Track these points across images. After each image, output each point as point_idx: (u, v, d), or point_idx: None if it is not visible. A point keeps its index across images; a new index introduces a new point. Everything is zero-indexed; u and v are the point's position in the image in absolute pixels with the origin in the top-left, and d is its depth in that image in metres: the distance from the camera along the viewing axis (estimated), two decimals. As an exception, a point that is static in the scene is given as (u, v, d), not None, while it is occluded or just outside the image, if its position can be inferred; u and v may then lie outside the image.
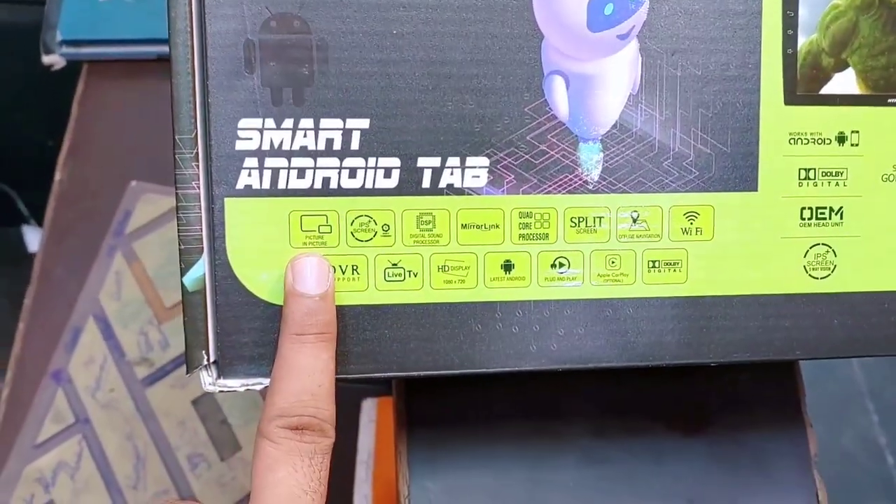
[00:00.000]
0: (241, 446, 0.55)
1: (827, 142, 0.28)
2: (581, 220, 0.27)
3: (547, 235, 0.27)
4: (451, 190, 0.27)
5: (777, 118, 0.28)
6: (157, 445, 0.55)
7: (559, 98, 0.27)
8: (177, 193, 0.25)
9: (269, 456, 0.24)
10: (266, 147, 0.26)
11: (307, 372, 0.24)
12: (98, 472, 0.54)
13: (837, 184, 0.28)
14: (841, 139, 0.28)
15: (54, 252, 0.62)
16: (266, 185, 0.26)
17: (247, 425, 0.56)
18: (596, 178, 0.27)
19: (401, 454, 0.33)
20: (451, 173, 0.26)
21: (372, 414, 0.57)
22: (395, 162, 0.26)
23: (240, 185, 0.26)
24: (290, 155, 0.26)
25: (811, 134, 0.28)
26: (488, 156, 0.27)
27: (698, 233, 0.28)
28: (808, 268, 0.28)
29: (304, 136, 0.26)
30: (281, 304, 0.26)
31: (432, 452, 0.34)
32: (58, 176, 0.65)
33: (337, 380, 0.26)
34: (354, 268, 0.26)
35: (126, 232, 0.63)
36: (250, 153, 0.26)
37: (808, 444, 0.35)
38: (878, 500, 0.96)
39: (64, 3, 0.66)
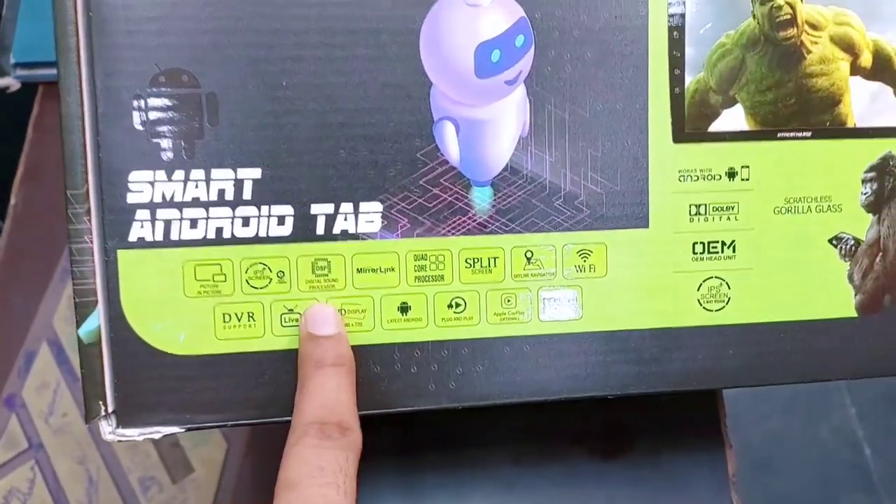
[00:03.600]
0: (192, 468, 0.56)
1: (717, 177, 0.28)
2: (476, 260, 0.28)
3: (442, 277, 0.28)
4: (345, 235, 0.27)
5: (666, 156, 0.28)
6: (110, 469, 0.56)
7: (450, 143, 0.27)
8: (70, 248, 0.26)
9: (300, 458, 0.24)
10: (158, 199, 0.26)
11: (327, 389, 0.25)
12: (51, 497, 0.55)
13: (729, 218, 0.29)
14: (731, 174, 0.29)
15: (9, 276, 0.62)
16: (159, 236, 0.26)
17: (197, 447, 0.56)
18: (489, 219, 0.28)
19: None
20: (345, 219, 0.27)
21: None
22: (288, 210, 0.27)
23: (132, 238, 0.26)
24: (181, 206, 0.26)
25: (701, 170, 0.28)
26: (381, 201, 0.27)
27: (592, 270, 0.28)
28: (701, 300, 0.29)
29: (196, 187, 0.26)
30: (175, 352, 0.26)
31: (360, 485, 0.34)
32: (12, 200, 0.65)
33: (239, 426, 0.27)
34: (251, 315, 0.27)
35: (76, 257, 0.62)
36: (142, 206, 0.26)
37: (727, 465, 0.36)
38: (856, 491, 0.97)
39: (17, 26, 0.66)
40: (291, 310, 0.27)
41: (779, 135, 0.29)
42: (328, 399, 0.25)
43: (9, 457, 0.55)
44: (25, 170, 0.67)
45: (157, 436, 0.26)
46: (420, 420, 0.35)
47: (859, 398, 1.04)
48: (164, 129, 0.26)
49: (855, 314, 0.30)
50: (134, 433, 0.26)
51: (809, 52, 0.28)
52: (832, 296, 0.29)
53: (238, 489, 0.55)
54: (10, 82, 0.67)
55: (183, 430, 0.26)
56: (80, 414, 0.57)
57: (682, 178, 0.28)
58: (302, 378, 0.26)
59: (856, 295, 0.30)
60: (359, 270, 0.27)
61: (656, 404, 0.37)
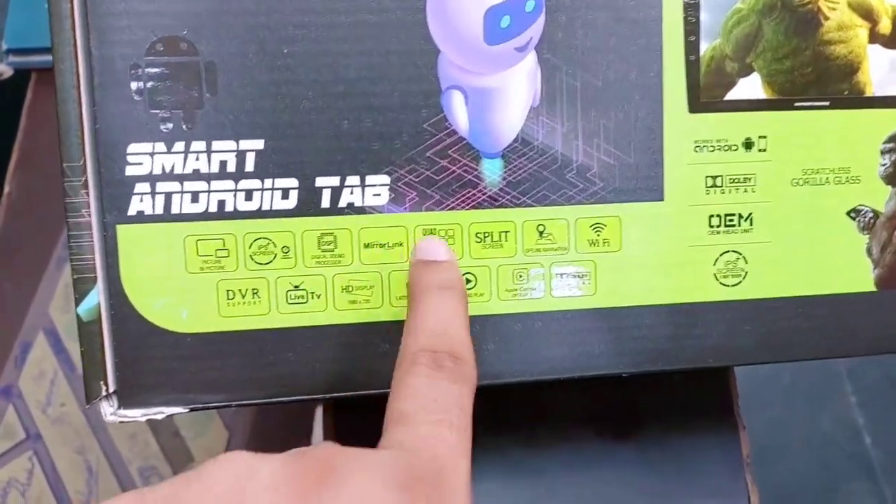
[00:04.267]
0: (193, 458, 0.55)
1: (734, 148, 0.28)
2: (486, 235, 0.27)
3: (452, 252, 0.27)
4: (351, 209, 0.26)
5: (681, 127, 0.27)
6: (109, 459, 0.55)
7: (458, 113, 0.26)
8: (67, 222, 0.25)
9: (411, 387, 0.22)
10: (157, 171, 0.25)
11: (440, 313, 0.24)
12: (49, 488, 0.54)
13: (746, 190, 0.28)
14: (748, 145, 0.28)
15: (3, 265, 0.61)
16: (159, 210, 0.25)
17: (198, 437, 0.55)
18: (499, 192, 0.27)
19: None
20: (351, 192, 0.26)
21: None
22: (292, 182, 0.26)
23: (132, 212, 0.25)
24: (182, 179, 0.25)
25: (717, 141, 0.28)
26: (388, 173, 0.26)
27: (606, 244, 0.27)
28: (718, 275, 0.28)
29: (197, 159, 0.25)
30: (178, 330, 0.25)
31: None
32: (6, 188, 0.64)
33: (244, 405, 0.26)
34: (255, 291, 0.26)
35: (72, 244, 0.62)
36: (141, 178, 0.25)
37: (741, 447, 0.35)
38: (857, 479, 0.97)
39: (9, 12, 0.65)
40: (297, 286, 0.26)
41: (796, 104, 0.28)
42: (440, 324, 0.23)
43: (7, 447, 0.55)
44: (19, 157, 0.66)
45: (159, 416, 0.25)
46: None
47: (860, 386, 1.03)
48: (162, 98, 0.25)
49: (874, 288, 0.29)
50: (136, 414, 0.25)
51: (827, 18, 0.28)
52: (850, 270, 0.29)
53: (239, 478, 0.54)
54: (3, 69, 0.66)
55: (186, 411, 0.26)
56: (78, 404, 0.56)
57: (697, 149, 0.27)
58: (412, 301, 0.24)
59: (874, 269, 0.29)
60: (366, 245, 0.26)
61: (668, 385, 0.36)
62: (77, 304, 0.25)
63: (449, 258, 0.25)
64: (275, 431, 0.56)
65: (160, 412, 0.26)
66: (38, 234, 0.62)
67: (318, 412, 0.58)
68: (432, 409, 0.21)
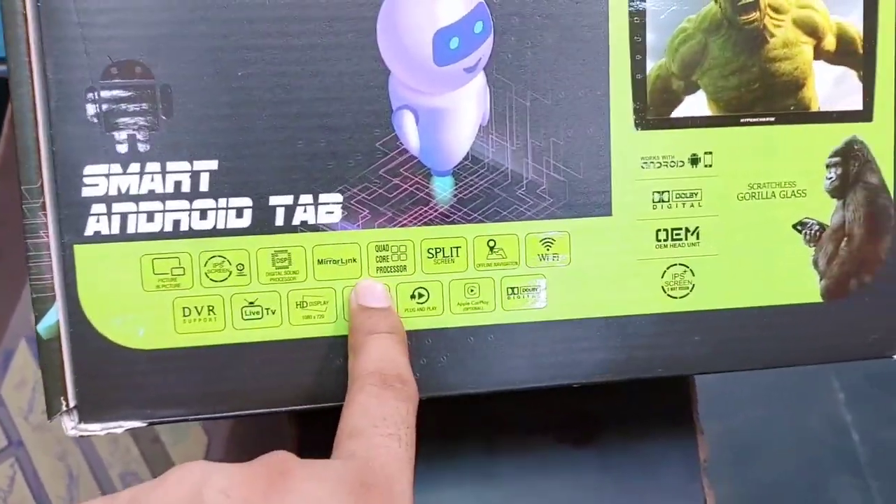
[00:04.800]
0: (173, 463, 0.56)
1: (680, 164, 0.28)
2: (438, 250, 0.28)
3: (405, 267, 0.27)
4: (305, 227, 0.27)
5: (628, 143, 0.28)
6: (90, 465, 0.56)
7: (409, 132, 0.27)
8: (26, 243, 0.26)
9: (362, 407, 0.24)
10: (113, 192, 0.26)
11: (384, 348, 0.26)
12: (31, 493, 0.55)
13: (692, 205, 0.29)
14: (694, 161, 0.28)
15: (-14, 274, 0.62)
16: (115, 230, 0.26)
17: (178, 443, 0.56)
18: (450, 209, 0.27)
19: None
20: (305, 210, 0.27)
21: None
22: (246, 202, 0.26)
23: (88, 232, 0.26)
24: (138, 199, 0.26)
25: (663, 157, 0.28)
26: (341, 192, 0.27)
27: (556, 258, 0.28)
28: (666, 288, 0.29)
29: (152, 179, 0.26)
30: (135, 347, 0.26)
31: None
32: (-11, 196, 0.65)
33: (201, 419, 0.27)
34: (210, 308, 0.27)
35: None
36: (97, 199, 0.26)
37: (698, 451, 0.36)
38: (844, 476, 0.98)
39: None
40: (252, 302, 0.27)
41: (742, 120, 0.29)
42: (385, 355, 0.25)
43: (-12, 454, 0.55)
44: (1, 166, 0.66)
45: (119, 430, 0.26)
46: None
47: (847, 384, 1.04)
48: (118, 121, 0.25)
49: (820, 299, 0.30)
50: (96, 428, 0.26)
51: (773, 35, 0.28)
52: (797, 281, 0.29)
53: (219, 483, 0.55)
54: (-14, 77, 0.66)
55: (144, 425, 0.26)
56: (59, 410, 0.57)
57: (644, 165, 0.28)
58: (355, 345, 0.26)
59: (821, 280, 0.30)
60: (320, 262, 0.27)
61: (627, 391, 0.36)
62: (36, 322, 0.26)
63: (387, 304, 0.27)
64: (253, 437, 0.56)
65: (119, 426, 0.26)
66: (21, 243, 0.62)
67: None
68: (382, 425, 0.23)
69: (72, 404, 0.26)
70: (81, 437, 0.26)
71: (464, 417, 0.35)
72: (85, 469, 0.56)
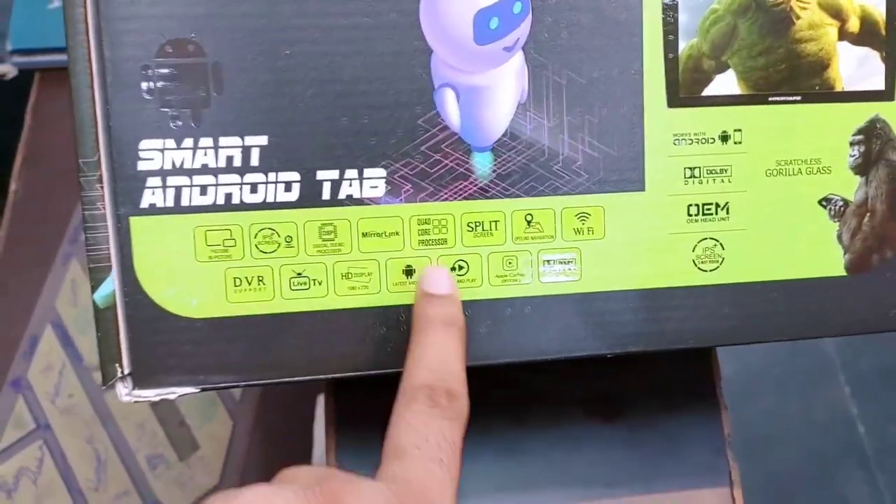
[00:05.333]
0: (199, 446, 0.57)
1: (710, 141, 0.29)
2: (477, 224, 0.29)
3: (445, 240, 0.28)
4: (350, 200, 0.28)
5: (661, 121, 0.29)
6: (117, 448, 0.57)
7: (450, 110, 0.28)
8: (84, 214, 0.27)
9: (408, 426, 0.24)
10: (168, 166, 0.27)
11: (437, 350, 0.26)
12: (59, 475, 0.56)
13: (722, 180, 0.30)
14: (724, 138, 0.29)
15: (10, 261, 0.63)
16: (170, 202, 0.27)
17: (203, 426, 0.57)
18: (489, 184, 0.28)
19: (329, 450, 0.35)
20: (350, 185, 0.28)
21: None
22: (294, 176, 0.27)
23: (144, 204, 0.27)
24: (191, 173, 0.27)
25: (695, 134, 0.29)
26: (385, 167, 0.28)
27: (590, 232, 0.29)
28: (696, 261, 0.30)
29: (205, 154, 0.27)
30: (188, 315, 0.27)
31: (360, 448, 0.35)
32: (12, 186, 0.66)
33: (251, 386, 0.28)
34: (260, 279, 0.28)
35: (81, 239, 0.64)
36: (153, 173, 0.27)
37: (722, 426, 0.37)
38: (851, 469, 0.99)
39: (13, 12, 0.66)
40: (300, 273, 0.28)
41: (770, 99, 0.30)
42: (437, 361, 0.26)
43: (17, 437, 0.56)
44: (24, 156, 0.67)
45: (172, 396, 0.27)
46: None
47: (854, 376, 1.05)
48: (171, 98, 0.26)
49: (844, 273, 0.31)
50: (150, 394, 0.27)
51: (798, 17, 0.29)
52: (822, 255, 0.30)
53: (245, 466, 0.56)
54: (7, 69, 0.67)
55: (198, 391, 0.27)
56: (86, 394, 0.58)
57: (676, 142, 0.29)
58: (415, 333, 0.27)
59: (845, 254, 0.31)
60: (364, 235, 0.28)
61: (653, 368, 0.37)
62: (93, 292, 0.27)
63: (451, 292, 0.28)
64: (277, 420, 0.57)
65: (172, 392, 0.27)
66: (45, 230, 0.63)
67: (320, 401, 0.60)
68: (425, 447, 0.24)
69: (126, 371, 0.27)
70: (136, 402, 0.27)
71: (494, 390, 0.36)
72: (112, 452, 0.57)
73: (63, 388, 0.58)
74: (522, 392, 0.36)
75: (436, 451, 0.24)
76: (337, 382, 0.36)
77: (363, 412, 0.35)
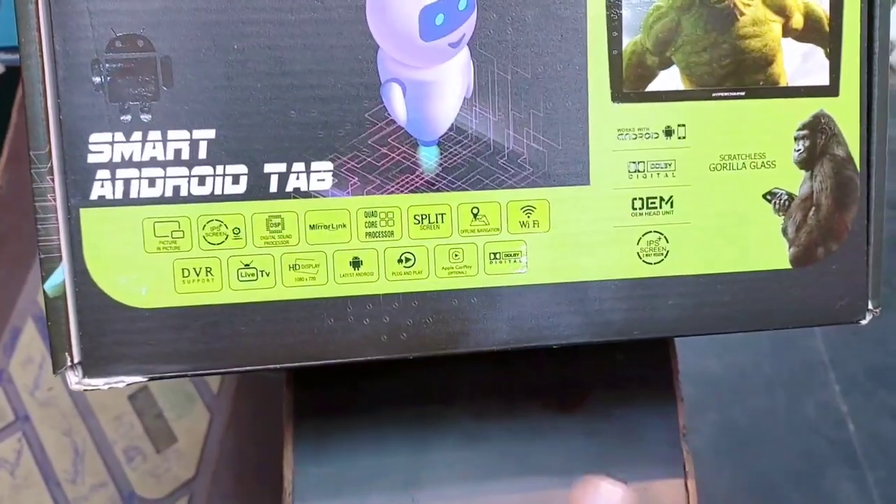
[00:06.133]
0: (176, 438, 0.57)
1: (654, 136, 0.30)
2: (424, 217, 0.29)
3: (392, 233, 0.29)
4: (297, 193, 0.28)
5: (605, 116, 0.29)
6: (95, 440, 0.57)
7: (397, 104, 0.28)
8: (34, 206, 0.27)
9: None
10: (117, 159, 0.27)
11: None
12: (37, 467, 0.56)
13: (666, 175, 0.30)
14: (668, 132, 0.30)
15: (-6, 256, 0.64)
16: (119, 195, 0.27)
17: (181, 418, 0.58)
18: (436, 177, 0.29)
19: (287, 442, 0.35)
20: (297, 178, 0.28)
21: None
22: (242, 169, 0.28)
23: (94, 196, 0.27)
24: (140, 165, 0.27)
25: (639, 129, 0.30)
26: (332, 160, 0.28)
27: (535, 225, 0.30)
28: (641, 254, 0.30)
29: (153, 147, 0.27)
30: (137, 305, 0.28)
31: (317, 440, 0.36)
32: (-2, 182, 0.66)
33: (199, 375, 0.28)
34: (208, 269, 0.28)
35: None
36: (102, 165, 0.27)
37: (678, 418, 0.37)
38: (840, 467, 0.99)
39: (1, 9, 0.67)
40: (247, 265, 0.28)
41: (714, 94, 0.30)
42: None
43: (-4, 429, 0.57)
44: (9, 153, 0.68)
45: (121, 385, 0.28)
46: (378, 377, 0.36)
47: (844, 375, 1.05)
48: (121, 92, 0.27)
49: (789, 266, 0.31)
50: (99, 383, 0.28)
51: (742, 14, 0.30)
52: (767, 248, 0.31)
53: (220, 458, 0.57)
54: (-6, 66, 0.68)
55: (146, 380, 0.28)
56: (65, 387, 0.59)
57: (620, 137, 0.30)
58: None
59: (790, 247, 0.31)
60: (311, 227, 0.28)
61: (611, 359, 0.38)
62: (43, 282, 0.27)
63: None
64: (253, 414, 0.58)
65: (121, 381, 0.28)
66: (28, 225, 0.64)
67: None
68: None
69: (76, 360, 0.28)
70: (85, 391, 0.28)
71: (451, 382, 0.36)
72: (90, 444, 0.57)
73: (42, 380, 0.59)
74: (479, 383, 0.37)
75: None
76: (295, 376, 0.36)
77: (320, 405, 0.36)
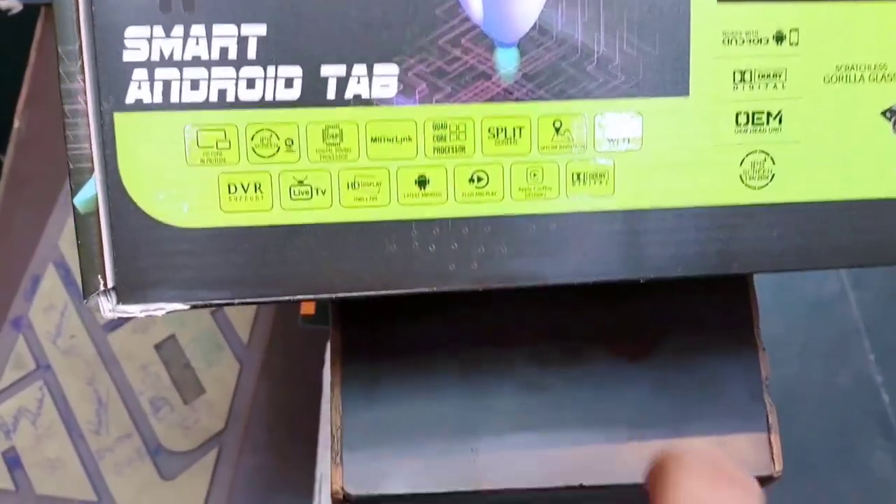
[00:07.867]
0: (204, 389, 0.55)
1: (764, 41, 0.26)
2: (500, 130, 0.26)
3: (464, 148, 0.26)
4: (358, 101, 0.25)
5: (709, 17, 0.26)
6: (120, 390, 0.55)
7: (472, -1, 0.25)
8: (63, 109, 0.24)
9: None
10: (156, 57, 0.24)
11: None
12: (60, 417, 0.54)
13: (775, 86, 0.26)
14: (779, 38, 0.26)
15: (13, 200, 0.61)
16: (157, 98, 0.24)
17: (210, 368, 0.55)
18: (514, 85, 0.25)
19: (335, 385, 0.33)
20: (358, 82, 0.25)
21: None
22: (296, 71, 0.25)
23: (129, 100, 0.24)
24: (181, 65, 0.24)
25: (746, 33, 0.26)
26: (398, 63, 0.25)
27: (626, 142, 0.26)
28: (744, 177, 0.27)
29: (196, 44, 0.24)
30: (178, 224, 0.25)
31: (367, 383, 0.33)
32: (16, 124, 0.63)
33: (246, 303, 0.25)
34: (257, 186, 0.25)
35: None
36: (139, 64, 0.24)
37: (760, 368, 0.34)
38: (874, 437, 0.96)
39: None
40: (301, 181, 0.25)
41: (832, -6, 0.26)
42: None
43: (17, 376, 0.55)
44: (28, 94, 0.65)
45: (159, 312, 0.25)
46: (430, 315, 0.33)
47: (879, 343, 1.01)
48: (160, -22, 0.24)
49: (908, 194, 0.27)
50: (135, 310, 0.25)
51: None
52: (883, 174, 0.27)
53: (251, 410, 0.54)
54: (13, 4, 0.65)
55: (187, 307, 0.25)
56: (88, 335, 0.56)
57: (725, 42, 0.26)
58: None
59: (911, 173, 0.27)
60: (373, 140, 0.25)
61: (687, 304, 0.35)
62: (73, 195, 0.24)
63: None
64: (285, 365, 0.55)
65: (160, 308, 0.25)
66: (48, 168, 0.61)
67: (328, 347, 0.58)
68: None
69: (110, 284, 0.25)
70: (120, 318, 0.25)
71: (512, 325, 0.33)
72: (114, 394, 0.55)
73: (65, 328, 0.56)
74: (541, 328, 0.34)
75: None
76: (343, 314, 0.33)
77: (370, 345, 0.33)
